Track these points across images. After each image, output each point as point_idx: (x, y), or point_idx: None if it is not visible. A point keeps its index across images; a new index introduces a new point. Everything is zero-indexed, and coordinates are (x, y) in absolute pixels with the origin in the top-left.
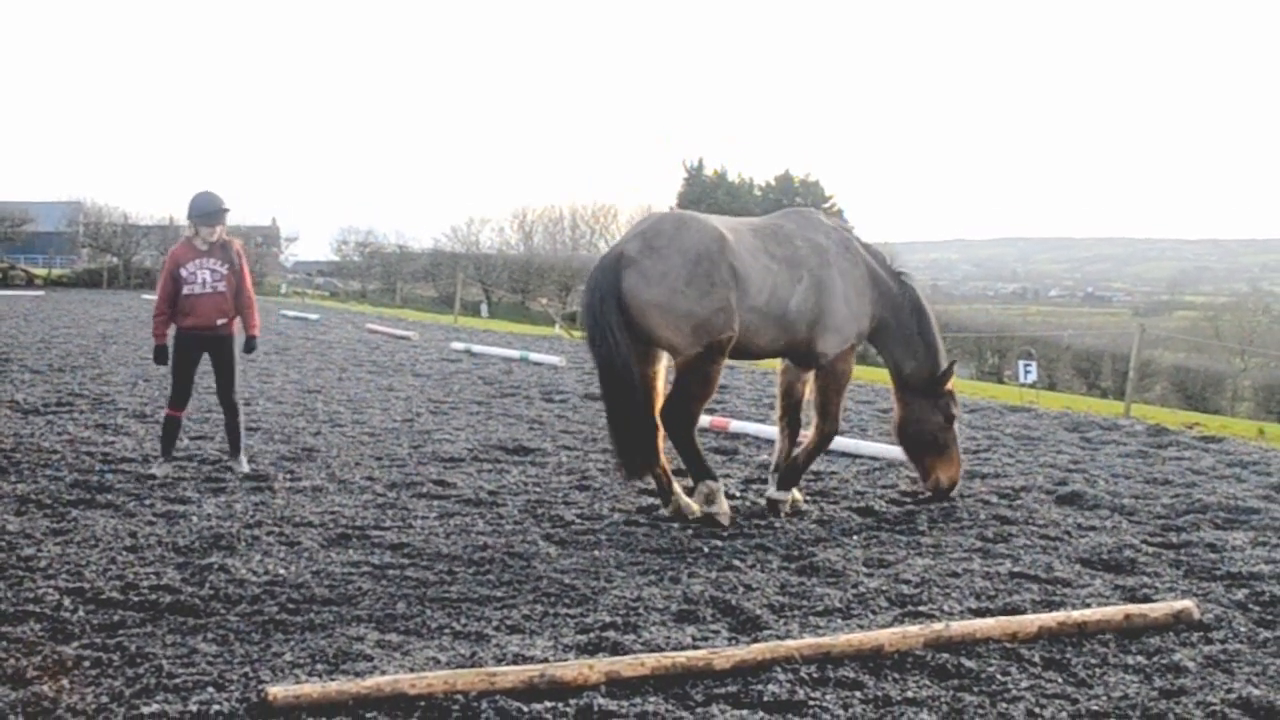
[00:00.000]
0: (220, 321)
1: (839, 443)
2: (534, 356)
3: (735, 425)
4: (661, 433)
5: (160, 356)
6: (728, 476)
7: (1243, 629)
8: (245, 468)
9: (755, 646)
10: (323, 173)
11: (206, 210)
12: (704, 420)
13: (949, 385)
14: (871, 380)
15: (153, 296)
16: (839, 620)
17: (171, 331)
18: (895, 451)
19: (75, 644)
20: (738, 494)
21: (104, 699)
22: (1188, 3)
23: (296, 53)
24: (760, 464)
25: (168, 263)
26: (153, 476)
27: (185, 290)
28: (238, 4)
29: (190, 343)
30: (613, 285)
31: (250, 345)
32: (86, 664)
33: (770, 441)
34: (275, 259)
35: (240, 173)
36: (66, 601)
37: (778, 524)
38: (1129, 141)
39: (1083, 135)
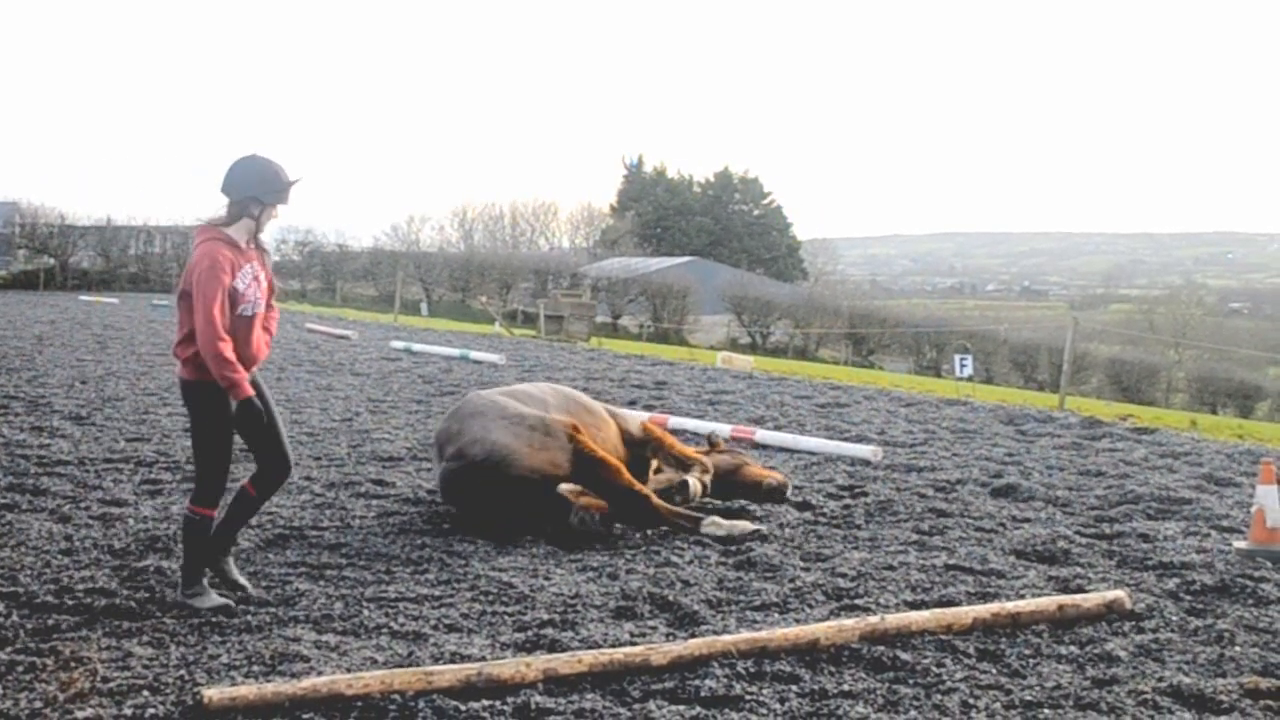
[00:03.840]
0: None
1: (777, 437)
2: (474, 355)
3: (674, 421)
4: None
5: (251, 410)
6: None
7: (1174, 618)
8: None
9: (692, 642)
10: None
11: (287, 180)
12: (642, 415)
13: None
14: (809, 375)
15: (92, 298)
16: (776, 615)
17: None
18: (832, 446)
19: (9, 649)
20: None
21: (38, 704)
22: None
23: (231, 51)
24: None
25: (216, 265)
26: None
27: (240, 309)
28: (169, 3)
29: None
30: None
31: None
32: (20, 669)
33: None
34: None
35: (177, 172)
36: (0, 606)
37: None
38: (1063, 136)
39: (1017, 130)
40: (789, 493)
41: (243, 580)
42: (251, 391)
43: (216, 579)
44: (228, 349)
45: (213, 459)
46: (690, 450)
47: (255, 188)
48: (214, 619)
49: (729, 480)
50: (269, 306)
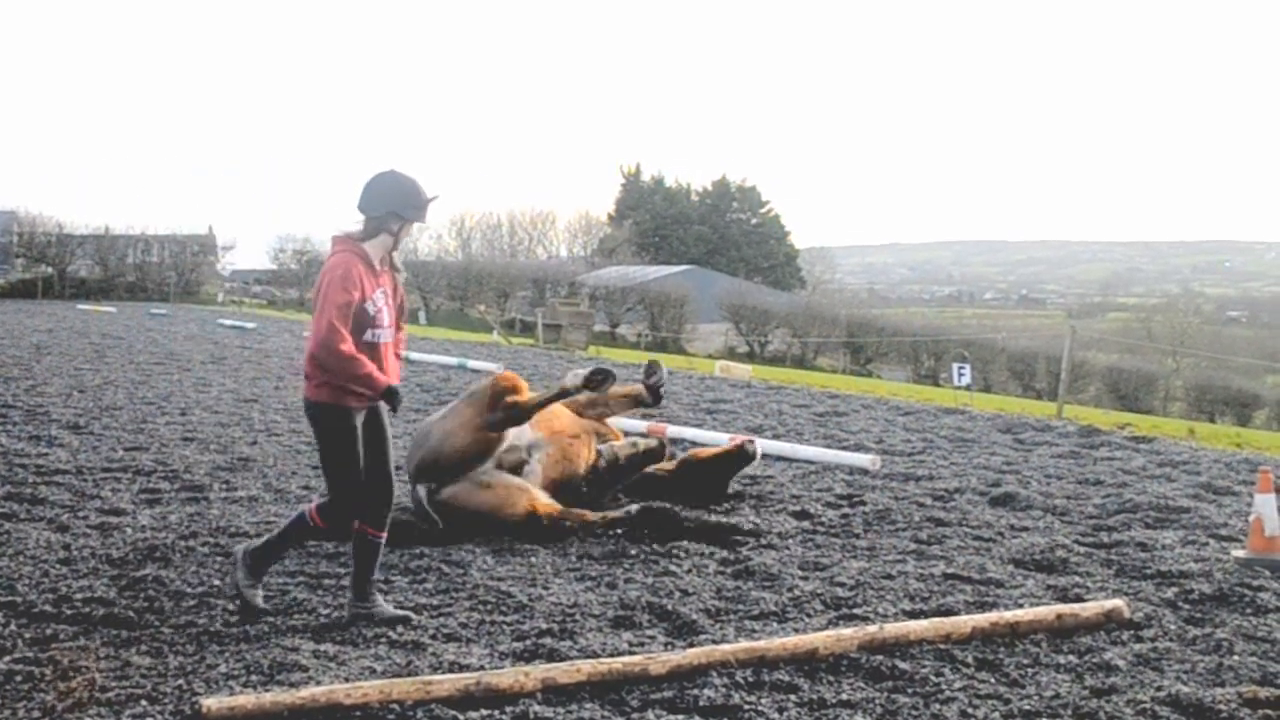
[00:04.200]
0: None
1: (775, 446)
2: (472, 364)
3: (672, 430)
4: None
5: (396, 398)
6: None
7: (1172, 627)
8: (388, 610)
9: (691, 651)
10: (260, 180)
11: (426, 197)
12: (640, 426)
13: None
14: (807, 384)
15: (90, 307)
16: (774, 624)
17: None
18: (830, 455)
19: (7, 658)
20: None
21: (36, 714)
22: (1116, 6)
23: (228, 61)
24: None
25: (348, 277)
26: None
27: (369, 335)
28: (169, 10)
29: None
30: None
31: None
32: (19, 678)
33: (708, 446)
34: (212, 268)
35: (176, 181)
36: None
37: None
38: (1061, 144)
39: (1015, 139)
40: (756, 450)
41: (401, 613)
42: (387, 380)
43: (368, 617)
44: (349, 346)
45: (349, 477)
46: (628, 388)
47: (395, 203)
48: (213, 627)
49: (698, 469)
50: (397, 328)
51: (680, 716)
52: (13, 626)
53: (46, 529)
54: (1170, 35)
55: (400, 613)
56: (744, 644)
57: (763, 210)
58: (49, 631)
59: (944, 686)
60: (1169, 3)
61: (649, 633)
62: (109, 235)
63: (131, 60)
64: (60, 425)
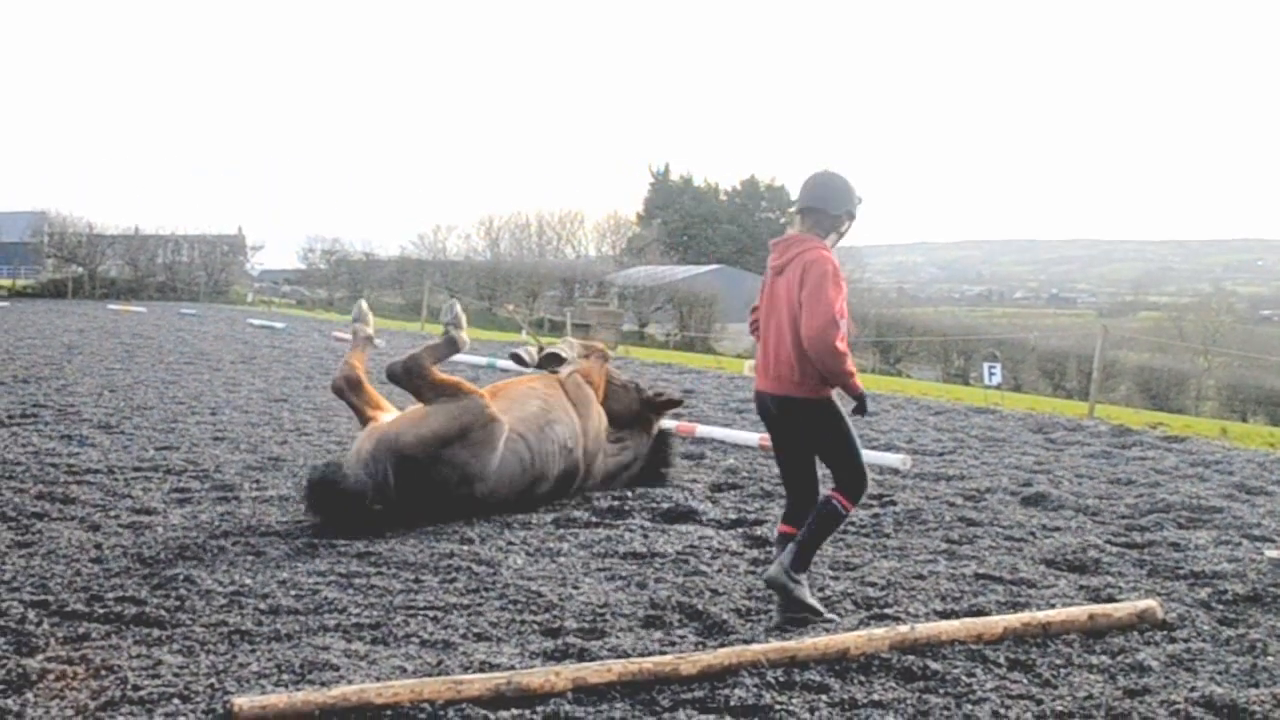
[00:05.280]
0: None
1: None
2: (501, 363)
3: (702, 430)
4: None
5: (865, 405)
6: (695, 481)
7: (1206, 628)
8: (806, 596)
9: (721, 651)
10: (289, 181)
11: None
12: (669, 424)
13: None
14: None
15: (120, 307)
16: (805, 624)
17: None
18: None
19: (40, 657)
20: (708, 497)
21: (69, 712)
22: (1149, 5)
23: (259, 61)
24: (727, 468)
25: (839, 275)
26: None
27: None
28: (198, 9)
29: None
30: None
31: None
32: (51, 676)
33: (737, 445)
34: (241, 267)
35: (207, 181)
36: (31, 614)
37: (744, 529)
38: (1092, 142)
39: (1045, 136)
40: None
41: (812, 603)
42: (862, 387)
43: (787, 590)
44: (844, 343)
45: (859, 454)
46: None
47: (850, 203)
48: (244, 626)
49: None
50: None
51: (711, 716)
52: (45, 625)
53: (78, 528)
54: (1205, 32)
55: (812, 602)
56: (775, 644)
57: (791, 209)
58: (81, 630)
59: (976, 687)
60: (1201, 2)
61: (679, 632)
62: (139, 235)
63: (165, 61)
64: (91, 425)
